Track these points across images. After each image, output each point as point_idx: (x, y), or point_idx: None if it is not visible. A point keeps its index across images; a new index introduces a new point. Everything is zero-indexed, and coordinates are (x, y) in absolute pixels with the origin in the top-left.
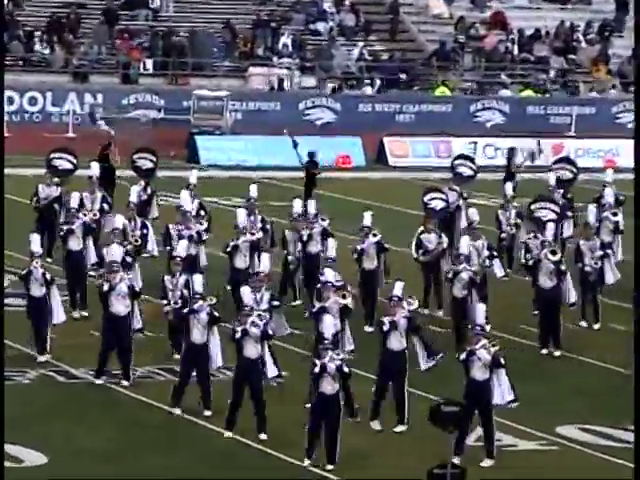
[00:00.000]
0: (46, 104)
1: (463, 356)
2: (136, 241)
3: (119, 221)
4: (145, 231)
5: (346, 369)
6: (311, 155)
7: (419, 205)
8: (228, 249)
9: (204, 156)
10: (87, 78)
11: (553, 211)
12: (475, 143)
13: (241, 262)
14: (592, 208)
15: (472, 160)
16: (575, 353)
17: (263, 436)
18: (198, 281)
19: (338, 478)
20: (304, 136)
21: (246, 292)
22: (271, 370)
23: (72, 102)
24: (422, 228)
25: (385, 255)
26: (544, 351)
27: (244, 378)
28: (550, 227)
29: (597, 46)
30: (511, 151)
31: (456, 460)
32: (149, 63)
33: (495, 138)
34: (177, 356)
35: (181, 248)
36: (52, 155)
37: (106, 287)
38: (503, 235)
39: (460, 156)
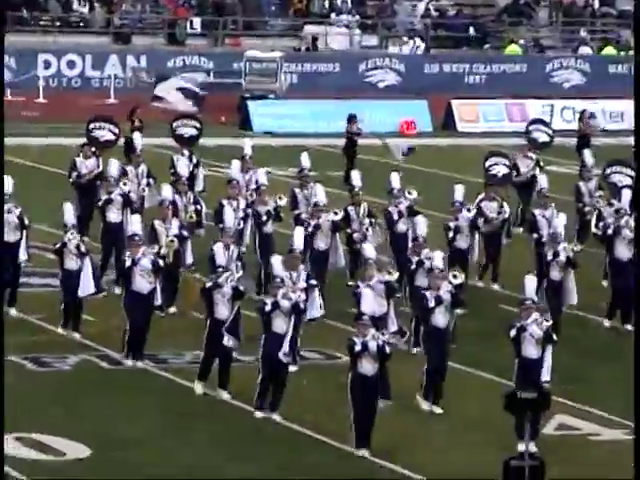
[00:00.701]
0: (85, 68)
1: (513, 332)
2: (191, 217)
3: (167, 191)
4: (199, 207)
5: (387, 350)
6: (350, 119)
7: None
8: (310, 229)
9: (257, 122)
10: (129, 39)
11: (629, 176)
12: (552, 106)
13: (322, 243)
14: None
15: (548, 125)
16: None
17: (276, 416)
18: (220, 254)
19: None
20: (365, 100)
21: (276, 263)
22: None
23: (113, 65)
24: (483, 195)
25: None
26: (607, 323)
27: (271, 355)
28: (626, 193)
29: None
30: (583, 113)
31: (532, 446)
32: (197, 22)
33: (574, 100)
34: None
35: (229, 217)
36: (92, 125)
37: (128, 262)
38: (587, 209)
39: (535, 120)
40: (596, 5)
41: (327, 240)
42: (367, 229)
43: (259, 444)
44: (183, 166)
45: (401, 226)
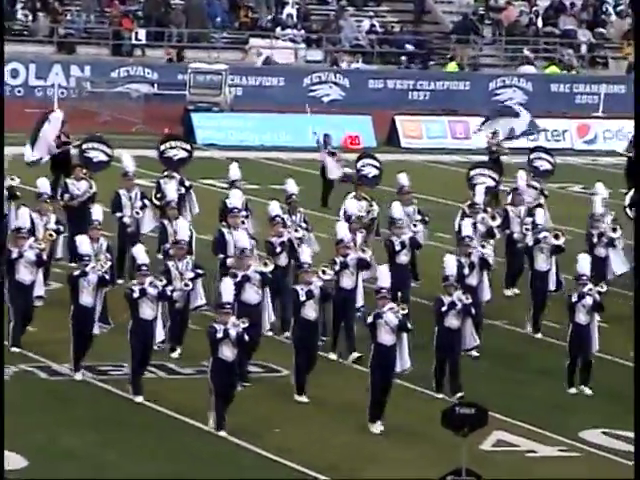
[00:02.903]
0: (29, 77)
1: (370, 319)
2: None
3: (184, 230)
4: (189, 234)
5: (246, 338)
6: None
7: (433, 190)
8: (336, 267)
9: (201, 135)
10: (74, 49)
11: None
12: None
13: (349, 281)
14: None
15: (549, 152)
16: (603, 352)
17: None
18: (84, 244)
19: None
20: (309, 114)
21: (140, 251)
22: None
23: (57, 75)
24: (352, 194)
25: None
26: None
27: (141, 341)
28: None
29: (628, 19)
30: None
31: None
32: (142, 33)
33: None
34: None
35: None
36: (85, 145)
37: (137, 294)
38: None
39: (536, 148)
40: (539, 24)
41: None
42: (299, 231)
43: (195, 459)
44: (172, 190)
45: (402, 258)
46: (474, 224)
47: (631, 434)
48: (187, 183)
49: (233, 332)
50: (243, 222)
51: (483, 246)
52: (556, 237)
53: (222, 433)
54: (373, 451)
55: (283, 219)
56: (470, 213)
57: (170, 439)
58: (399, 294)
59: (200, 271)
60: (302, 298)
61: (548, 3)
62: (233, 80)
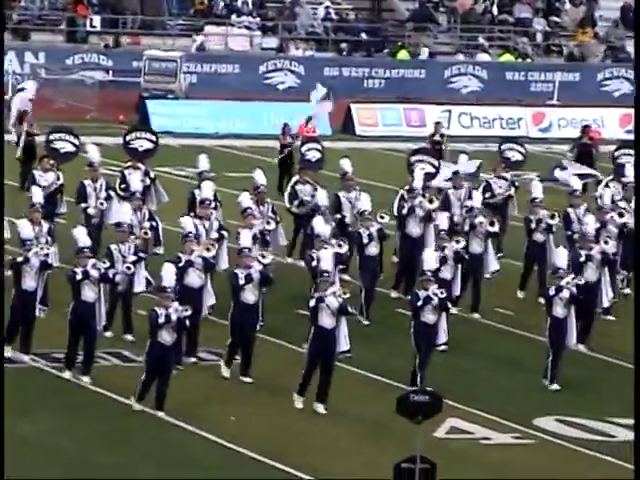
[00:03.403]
0: None
1: (312, 303)
2: (145, 233)
3: (125, 213)
4: (154, 224)
5: (187, 323)
6: (283, 129)
7: (388, 178)
8: (313, 263)
9: (155, 122)
10: (28, 35)
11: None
12: (449, 111)
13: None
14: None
15: (520, 143)
16: None
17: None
18: (25, 227)
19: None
20: (264, 102)
21: (81, 234)
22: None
23: (11, 62)
24: (297, 178)
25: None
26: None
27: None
28: (418, 175)
29: (582, 8)
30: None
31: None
32: (96, 20)
33: (471, 106)
34: None
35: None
36: (52, 136)
37: (80, 276)
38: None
39: (507, 139)
40: (495, 12)
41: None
42: (271, 223)
43: (148, 445)
44: (137, 181)
45: (371, 249)
46: (450, 218)
47: (584, 421)
48: (152, 174)
49: (174, 317)
50: (212, 213)
51: (458, 241)
52: (491, 224)
53: (138, 406)
54: (326, 438)
55: (253, 211)
56: (408, 198)
57: (123, 426)
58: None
59: (143, 255)
60: (241, 282)
61: None
62: (188, 67)
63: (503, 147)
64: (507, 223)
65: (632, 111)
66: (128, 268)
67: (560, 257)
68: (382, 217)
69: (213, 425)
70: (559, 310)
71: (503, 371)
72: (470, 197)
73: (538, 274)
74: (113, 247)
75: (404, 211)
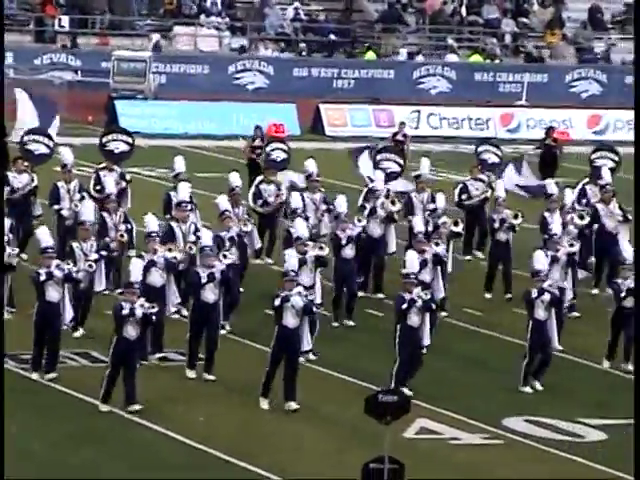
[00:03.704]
0: None
1: (277, 302)
2: (122, 236)
3: (88, 212)
4: (129, 226)
5: (154, 318)
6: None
7: (357, 178)
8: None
9: (124, 122)
10: None
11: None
12: (418, 112)
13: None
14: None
15: (496, 145)
16: (523, 339)
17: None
18: None
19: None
20: (233, 102)
21: (44, 234)
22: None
23: None
24: (261, 178)
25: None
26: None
27: (44, 321)
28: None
29: (550, 9)
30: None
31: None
32: (65, 20)
33: (440, 107)
34: None
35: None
36: (26, 137)
37: (43, 276)
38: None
39: (483, 141)
40: (463, 13)
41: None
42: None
43: (117, 445)
44: (111, 183)
45: (347, 252)
46: (426, 221)
47: (553, 421)
48: (127, 176)
49: (139, 312)
50: (188, 216)
51: (437, 244)
52: (455, 224)
53: (105, 407)
54: (295, 439)
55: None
56: (370, 199)
57: (91, 426)
58: (344, 288)
59: (104, 253)
60: (203, 280)
61: None
62: (157, 68)
63: (479, 149)
64: (484, 225)
65: (600, 112)
66: (90, 266)
67: (539, 259)
68: (359, 220)
69: (180, 425)
70: (540, 313)
71: (472, 371)
72: (433, 201)
73: (503, 273)
74: (75, 245)
75: (365, 212)
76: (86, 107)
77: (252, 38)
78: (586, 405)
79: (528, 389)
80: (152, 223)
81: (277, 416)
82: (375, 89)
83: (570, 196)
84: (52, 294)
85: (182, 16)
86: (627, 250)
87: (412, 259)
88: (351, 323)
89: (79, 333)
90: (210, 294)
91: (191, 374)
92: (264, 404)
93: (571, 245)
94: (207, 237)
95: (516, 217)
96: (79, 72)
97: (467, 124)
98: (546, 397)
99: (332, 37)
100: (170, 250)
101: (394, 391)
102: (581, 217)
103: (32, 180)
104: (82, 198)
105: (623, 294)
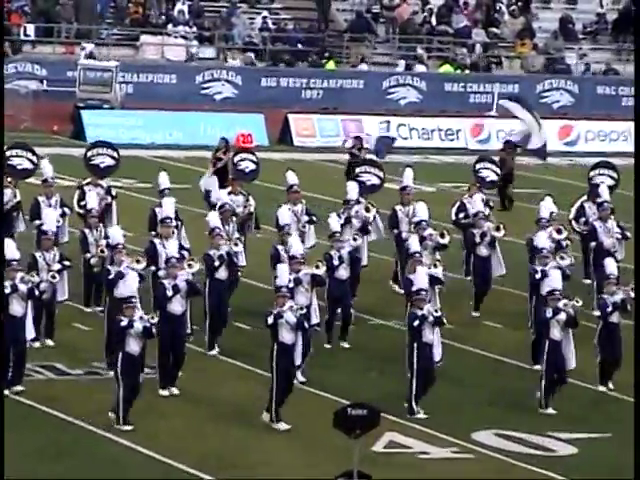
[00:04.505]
0: None
1: (270, 320)
2: (102, 252)
3: (50, 221)
4: (110, 241)
5: (154, 330)
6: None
7: (326, 189)
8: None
9: (91, 133)
10: None
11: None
12: (388, 122)
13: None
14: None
15: (495, 162)
16: (495, 353)
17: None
18: None
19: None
20: (201, 112)
21: (10, 245)
22: None
23: None
24: (230, 189)
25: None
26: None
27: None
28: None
29: (521, 19)
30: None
31: None
32: (30, 29)
33: (410, 117)
34: None
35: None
36: (9, 152)
37: (8, 289)
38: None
39: (481, 159)
40: (433, 23)
41: None
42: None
43: (85, 460)
44: (94, 198)
45: (341, 272)
46: (399, 234)
47: (523, 435)
48: (113, 192)
49: (139, 325)
50: (173, 232)
51: (435, 266)
52: (442, 235)
53: (127, 427)
54: (265, 453)
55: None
56: (344, 209)
57: (58, 440)
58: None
59: (67, 263)
60: (169, 293)
61: (442, 2)
62: (124, 77)
63: (478, 166)
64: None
65: (571, 123)
66: (53, 277)
67: (555, 278)
68: (355, 239)
69: (149, 440)
70: (556, 333)
71: (442, 385)
72: (415, 214)
73: (479, 287)
74: (38, 255)
75: (340, 221)
76: (52, 117)
77: (220, 47)
78: (556, 418)
79: (550, 411)
80: (117, 235)
81: (246, 431)
82: (344, 99)
83: (545, 211)
84: (16, 308)
85: (149, 25)
86: (610, 265)
87: (421, 275)
88: (346, 345)
89: (39, 344)
90: (177, 306)
91: (164, 393)
92: (283, 426)
93: (562, 258)
94: (173, 247)
95: (498, 229)
96: (44, 81)
97: (437, 135)
98: (516, 411)
99: (300, 46)
100: (138, 261)
101: (363, 405)
102: (559, 231)
103: (15, 196)
104: (63, 214)
105: (609, 309)
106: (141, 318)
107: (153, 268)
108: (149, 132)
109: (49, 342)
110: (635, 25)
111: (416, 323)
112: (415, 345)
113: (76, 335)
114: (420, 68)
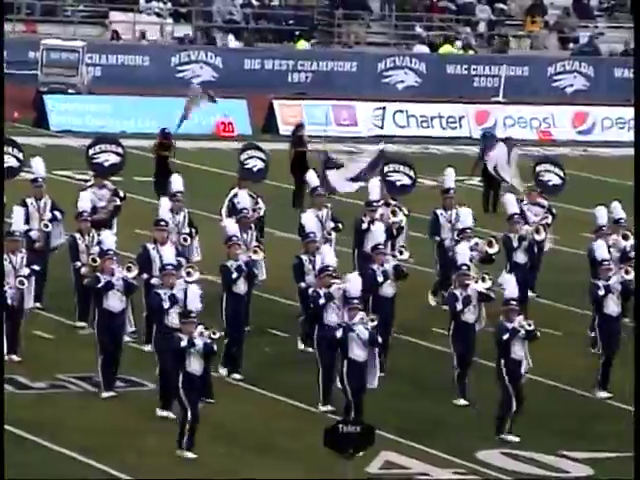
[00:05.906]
0: None
1: (339, 333)
2: (93, 260)
3: (18, 220)
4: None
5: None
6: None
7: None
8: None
9: (55, 120)
10: None
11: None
12: (383, 109)
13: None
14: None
15: (558, 164)
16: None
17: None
18: None
19: None
20: (176, 97)
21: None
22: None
23: None
24: (236, 189)
25: None
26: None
27: None
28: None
29: None
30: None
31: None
32: None
33: (408, 103)
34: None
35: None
36: None
37: None
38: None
39: (543, 159)
40: None
41: None
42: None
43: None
44: (86, 199)
45: (386, 289)
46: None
47: (532, 454)
48: (121, 193)
49: (200, 342)
50: (185, 240)
51: (484, 279)
52: (489, 244)
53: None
54: (255, 473)
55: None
56: (367, 212)
57: (21, 461)
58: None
59: (36, 267)
60: (166, 305)
61: None
62: (91, 59)
63: (538, 168)
64: (541, 257)
65: (586, 109)
66: (21, 283)
67: (600, 247)
68: (401, 252)
69: (116, 461)
70: (612, 307)
71: (443, 400)
72: (459, 219)
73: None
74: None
75: (364, 226)
76: (11, 103)
77: (198, 26)
78: (568, 436)
79: (604, 394)
80: (170, 256)
81: (232, 451)
82: (335, 83)
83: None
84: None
85: (119, 1)
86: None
87: (512, 282)
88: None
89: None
90: (175, 319)
91: (163, 413)
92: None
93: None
94: (169, 253)
95: (490, 245)
96: (4, 64)
97: (438, 122)
98: (521, 428)
99: (286, 25)
100: (129, 269)
101: (356, 421)
102: (537, 231)
103: None
104: (53, 218)
105: (602, 292)
106: (201, 334)
107: (145, 276)
108: (119, 119)
109: (14, 357)
110: (635, 21)
111: (505, 337)
112: (502, 362)
113: (44, 344)
114: (419, 48)
